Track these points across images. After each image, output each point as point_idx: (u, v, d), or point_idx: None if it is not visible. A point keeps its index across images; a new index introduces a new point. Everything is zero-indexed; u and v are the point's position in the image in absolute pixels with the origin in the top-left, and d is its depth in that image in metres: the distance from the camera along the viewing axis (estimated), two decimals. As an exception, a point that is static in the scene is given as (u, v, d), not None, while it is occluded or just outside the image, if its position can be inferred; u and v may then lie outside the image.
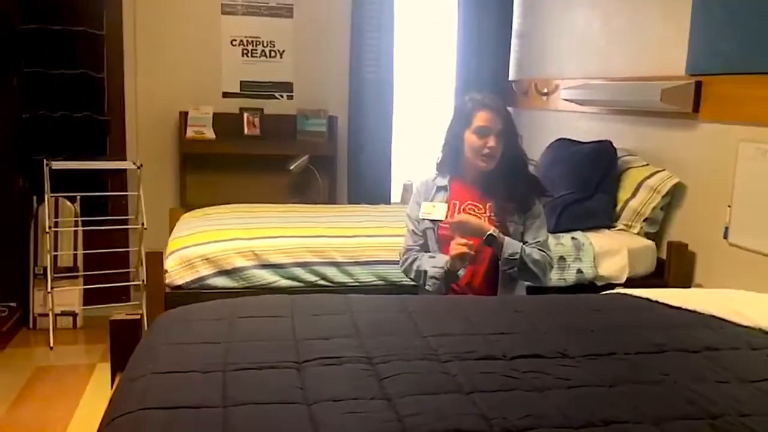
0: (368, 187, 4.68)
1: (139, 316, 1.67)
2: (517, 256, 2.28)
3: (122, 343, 1.65)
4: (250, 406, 1.21)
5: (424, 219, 2.44)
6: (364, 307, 1.76)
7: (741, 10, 2.82)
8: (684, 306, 1.88)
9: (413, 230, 2.48)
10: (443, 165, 2.51)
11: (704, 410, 1.28)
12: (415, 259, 2.41)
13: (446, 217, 2.38)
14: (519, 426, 1.19)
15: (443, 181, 2.48)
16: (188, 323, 1.62)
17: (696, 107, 3.05)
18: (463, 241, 2.23)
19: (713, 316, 1.81)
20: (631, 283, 3.00)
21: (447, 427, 1.17)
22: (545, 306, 1.88)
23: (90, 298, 4.07)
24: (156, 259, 2.65)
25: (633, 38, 3.58)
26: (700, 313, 1.83)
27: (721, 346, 1.61)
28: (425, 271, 2.32)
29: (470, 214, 2.41)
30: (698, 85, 3.03)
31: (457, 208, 2.42)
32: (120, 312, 1.75)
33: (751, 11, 2.77)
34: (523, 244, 2.34)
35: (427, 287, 2.31)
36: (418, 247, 2.45)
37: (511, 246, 2.30)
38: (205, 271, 2.74)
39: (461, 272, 2.31)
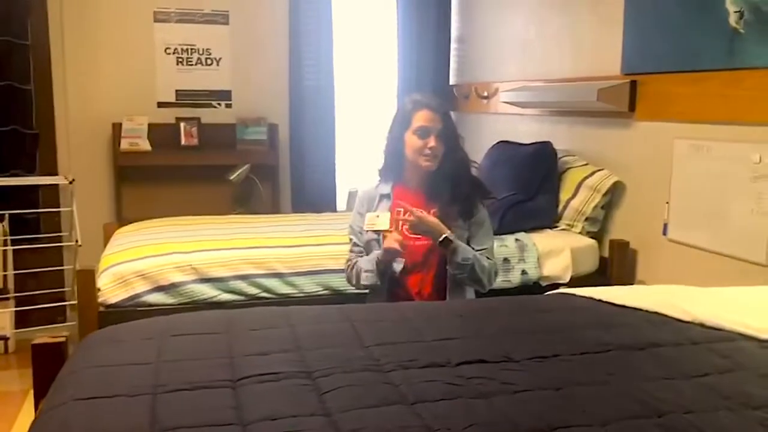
0: (313, 195, 4.62)
1: (64, 339, 1.56)
2: (470, 262, 2.25)
3: (46, 369, 1.55)
4: (181, 430, 1.13)
5: (368, 231, 2.38)
6: (305, 319, 1.70)
7: (671, 9, 2.87)
8: (627, 304, 1.87)
9: (355, 243, 2.43)
10: (386, 170, 2.46)
11: (651, 408, 1.27)
12: (354, 265, 2.37)
13: (390, 225, 2.32)
14: (464, 436, 1.15)
15: (386, 189, 2.44)
16: (116, 344, 1.52)
17: (632, 106, 3.09)
18: (398, 236, 2.21)
19: (656, 313, 1.81)
20: (574, 282, 3.02)
21: (389, 440, 1.12)
22: (489, 309, 1.85)
23: (23, 320, 3.88)
24: (87, 277, 2.52)
25: (569, 40, 3.62)
26: (642, 311, 1.84)
27: (665, 342, 1.61)
28: (360, 268, 2.28)
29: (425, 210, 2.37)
30: (633, 85, 3.08)
31: (401, 214, 2.38)
32: (49, 334, 1.64)
33: (681, 11, 2.82)
34: None
35: (363, 282, 2.29)
36: (359, 259, 2.40)
37: (464, 251, 2.27)
38: (140, 287, 2.63)
39: (398, 266, 2.27)
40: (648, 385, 1.37)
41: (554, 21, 3.76)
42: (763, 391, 1.35)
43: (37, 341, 1.53)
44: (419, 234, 2.26)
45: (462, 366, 1.45)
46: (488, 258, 2.37)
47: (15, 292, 3.92)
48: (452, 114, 2.43)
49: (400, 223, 2.34)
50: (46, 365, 1.56)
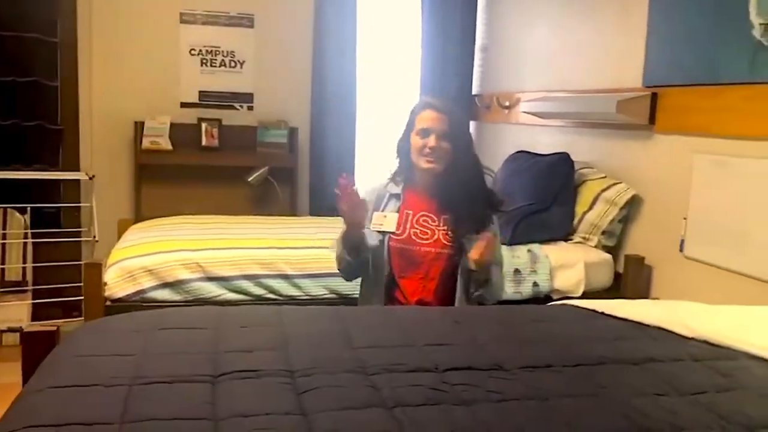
0: (330, 199, 4.58)
1: (55, 328, 1.57)
2: (492, 300, 2.23)
3: (36, 357, 1.55)
4: (151, 422, 1.12)
5: (374, 231, 2.34)
6: (296, 319, 1.68)
7: (695, 22, 2.81)
8: (630, 317, 1.82)
9: None
10: (397, 174, 2.43)
11: (638, 425, 1.22)
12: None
13: (397, 228, 2.28)
14: (440, 442, 1.12)
15: (396, 189, 2.39)
16: (103, 334, 1.52)
17: (652, 119, 3.03)
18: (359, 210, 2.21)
19: (659, 328, 1.76)
20: (587, 296, 2.95)
21: (362, 443, 1.09)
22: (487, 317, 1.81)
23: (39, 313, 3.92)
24: (94, 271, 2.54)
25: (592, 51, 3.57)
26: (645, 325, 1.78)
27: (664, 357, 1.56)
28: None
29: (424, 225, 2.32)
30: (654, 97, 3.01)
31: (409, 218, 2.33)
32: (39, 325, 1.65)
33: (705, 23, 2.76)
34: None
35: (337, 263, 2.30)
36: None
37: (497, 290, 2.25)
38: (147, 283, 2.64)
39: (372, 241, 2.26)
40: (639, 400, 1.32)
41: (577, 31, 3.71)
42: (762, 412, 1.29)
43: (27, 329, 1.53)
44: (482, 264, 2.15)
45: (449, 372, 1.41)
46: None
47: (33, 284, 3.97)
48: (465, 119, 2.36)
49: (407, 224, 2.29)
50: (36, 353, 1.56)
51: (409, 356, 1.48)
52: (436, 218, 2.30)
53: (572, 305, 1.97)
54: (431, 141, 2.24)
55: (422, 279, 2.26)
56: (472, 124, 4.84)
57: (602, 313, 1.88)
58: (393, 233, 2.29)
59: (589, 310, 1.91)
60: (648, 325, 1.78)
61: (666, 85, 2.98)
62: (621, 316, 1.84)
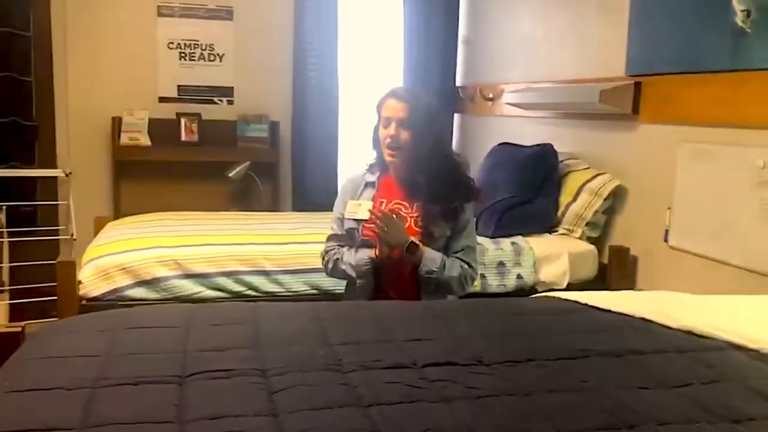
0: (314, 193, 4.55)
1: (20, 329, 1.50)
2: (434, 275, 2.16)
3: (2, 358, 1.49)
4: (113, 426, 1.07)
5: (348, 218, 2.30)
6: (271, 316, 1.63)
7: (677, 9, 2.78)
8: (613, 309, 1.78)
9: (336, 231, 2.34)
10: (374, 163, 2.39)
11: (621, 419, 1.18)
12: (337, 259, 2.28)
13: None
14: (416, 441, 1.07)
15: (372, 177, 2.36)
16: (68, 335, 1.46)
17: (636, 108, 3.00)
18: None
19: (642, 319, 1.72)
20: (572, 288, 2.91)
21: (335, 444, 1.05)
22: (468, 310, 1.77)
23: (17, 313, 3.84)
24: (68, 269, 2.47)
25: (574, 41, 3.54)
26: (629, 316, 1.74)
27: (647, 349, 1.52)
28: (344, 261, 2.24)
29: (397, 213, 2.28)
30: (637, 86, 2.98)
31: (383, 206, 2.29)
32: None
33: (687, 11, 2.73)
34: (447, 252, 2.23)
35: (348, 272, 2.23)
36: (337, 247, 2.32)
37: (429, 262, 2.16)
38: (122, 281, 2.57)
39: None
40: (623, 393, 1.29)
41: (559, 21, 3.67)
42: (747, 404, 1.26)
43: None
44: (384, 243, 2.15)
45: (428, 368, 1.37)
46: (464, 262, 2.24)
47: (10, 284, 3.89)
48: (432, 106, 2.27)
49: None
50: (2, 355, 1.50)
51: (386, 352, 1.43)
52: (408, 205, 2.26)
53: (555, 297, 1.93)
54: (391, 130, 2.20)
55: (397, 266, 2.21)
56: (456, 117, 4.80)
57: (585, 305, 1.84)
58: (366, 221, 2.24)
59: (572, 302, 1.88)
60: (632, 317, 1.74)
61: (649, 73, 2.95)
62: (604, 308, 1.80)
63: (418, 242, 2.15)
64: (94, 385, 1.20)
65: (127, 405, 1.15)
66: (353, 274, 2.21)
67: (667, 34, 2.83)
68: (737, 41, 2.47)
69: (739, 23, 2.47)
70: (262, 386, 1.25)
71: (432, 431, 1.11)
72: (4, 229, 3.92)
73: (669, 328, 1.67)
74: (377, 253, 2.17)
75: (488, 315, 1.74)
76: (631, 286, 3.03)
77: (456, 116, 4.80)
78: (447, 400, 1.23)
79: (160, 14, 4.34)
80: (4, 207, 3.91)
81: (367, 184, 2.34)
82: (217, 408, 1.15)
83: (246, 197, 4.51)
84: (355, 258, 2.22)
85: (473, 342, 1.52)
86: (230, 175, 4.30)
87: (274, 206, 4.48)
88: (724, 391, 1.32)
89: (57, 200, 4.08)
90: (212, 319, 1.59)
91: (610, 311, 1.79)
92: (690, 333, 1.64)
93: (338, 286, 2.54)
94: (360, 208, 2.23)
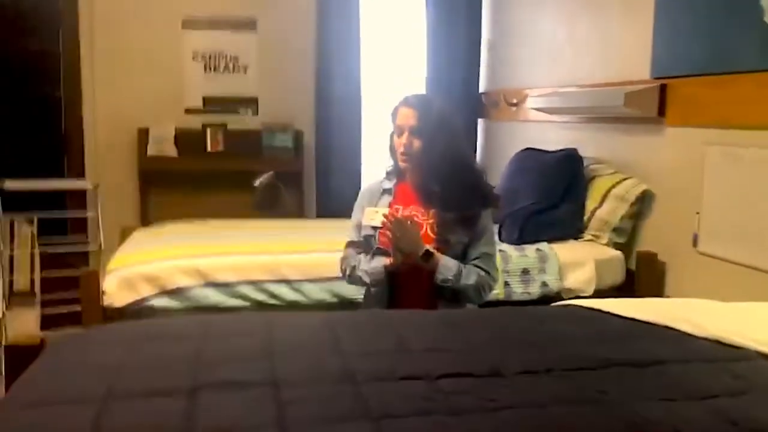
0: (338, 201, 4.53)
1: (38, 341, 1.52)
2: (449, 283, 2.13)
3: (20, 370, 1.50)
4: (121, 439, 1.07)
5: (366, 225, 2.29)
6: (286, 326, 1.62)
7: (703, 9, 2.72)
8: (637, 317, 1.74)
9: (354, 238, 2.33)
10: (391, 170, 2.38)
11: (641, 432, 1.14)
12: (354, 266, 2.27)
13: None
14: (425, 456, 1.05)
15: (389, 184, 2.34)
16: (85, 347, 1.47)
17: (661, 111, 2.94)
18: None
19: (667, 327, 1.67)
20: (598, 295, 2.85)
21: (342, 458, 1.03)
22: (486, 319, 1.74)
23: (49, 322, 3.90)
24: (91, 280, 2.50)
25: (598, 45, 3.48)
26: (653, 324, 1.70)
27: (671, 359, 1.47)
28: (361, 268, 2.22)
29: (411, 220, 2.25)
30: (663, 89, 2.92)
31: (399, 213, 2.27)
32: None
33: (713, 10, 2.66)
34: (465, 259, 2.20)
35: (364, 279, 2.21)
36: (355, 254, 2.30)
37: (444, 270, 2.13)
38: (146, 291, 2.59)
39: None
40: (643, 405, 1.24)
41: (584, 24, 3.62)
42: (775, 417, 1.21)
43: (7, 343, 1.49)
44: (397, 250, 2.11)
45: (443, 379, 1.34)
46: (482, 269, 2.20)
47: (41, 295, 3.95)
48: (445, 112, 2.25)
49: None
50: (21, 368, 1.51)
51: (401, 363, 1.41)
52: (424, 213, 2.24)
53: (577, 305, 1.89)
54: (404, 138, 2.19)
55: (414, 274, 2.19)
56: (480, 123, 4.77)
57: (608, 313, 1.79)
58: (381, 228, 2.22)
59: (594, 310, 1.83)
60: (656, 325, 1.69)
61: (675, 75, 2.89)
62: (628, 316, 1.75)
63: (433, 250, 2.12)
64: (105, 398, 1.20)
65: (136, 417, 1.14)
66: (368, 281, 2.20)
67: (693, 34, 2.77)
68: (765, 40, 2.41)
69: (767, 21, 2.40)
70: (274, 398, 1.23)
71: (443, 445, 1.08)
72: (36, 240, 4.00)
73: (695, 337, 1.62)
74: (392, 260, 2.14)
75: (507, 324, 1.71)
76: (659, 292, 2.96)
77: (480, 122, 4.77)
78: (460, 413, 1.20)
79: (185, 27, 4.39)
80: (35, 219, 3.99)
81: (385, 191, 2.32)
82: (226, 420, 1.14)
83: (272, 206, 4.51)
84: (369, 266, 2.20)
85: (490, 352, 1.49)
86: (255, 184, 4.32)
87: (299, 214, 4.49)
88: (752, 403, 1.27)
89: (86, 211, 4.15)
90: (227, 330, 1.58)
91: (633, 319, 1.74)
92: (717, 342, 1.59)
93: (359, 294, 2.52)
94: (377, 215, 2.22)
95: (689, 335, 1.63)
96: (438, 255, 2.13)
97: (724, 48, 2.61)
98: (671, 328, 1.68)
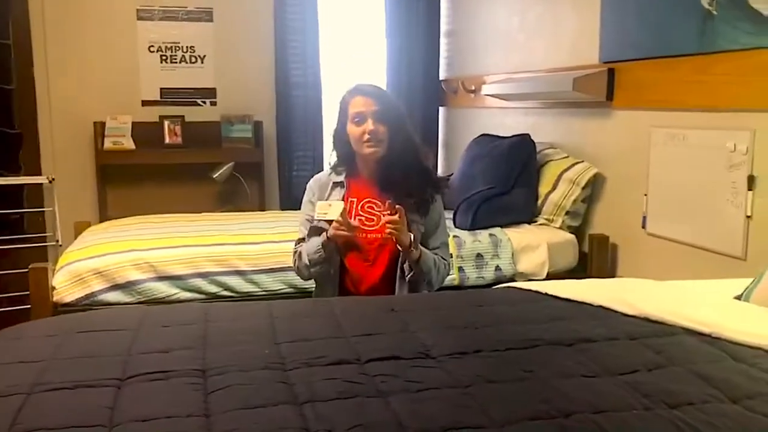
0: (301, 191, 4.45)
1: (-28, 337, 1.51)
2: (431, 272, 2.20)
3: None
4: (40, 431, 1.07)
5: (319, 220, 2.29)
6: (224, 317, 1.63)
7: (647, -6, 2.76)
8: (573, 298, 1.77)
9: (303, 234, 2.34)
10: (338, 164, 2.38)
11: (558, 408, 1.17)
12: (300, 254, 2.29)
13: (341, 215, 2.22)
14: (345, 437, 1.07)
15: (339, 177, 2.35)
16: (16, 341, 1.47)
17: (610, 95, 2.98)
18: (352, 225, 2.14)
19: (601, 307, 1.71)
20: (552, 278, 2.91)
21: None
22: (426, 304, 1.76)
23: (2, 321, 3.85)
24: (40, 275, 2.48)
25: (549, 30, 3.52)
26: (588, 305, 1.73)
27: (599, 337, 1.51)
28: (305, 255, 2.23)
29: (369, 212, 2.29)
30: (611, 73, 2.96)
31: (354, 206, 2.30)
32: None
33: (656, -6, 2.71)
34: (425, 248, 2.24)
35: (310, 268, 2.23)
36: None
37: (427, 259, 2.20)
38: (97, 286, 2.58)
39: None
40: (565, 382, 1.28)
41: (536, 11, 3.65)
42: (687, 388, 1.24)
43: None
44: (397, 240, 2.14)
45: (371, 363, 1.36)
46: (444, 258, 2.28)
47: (-1, 292, 3.90)
48: (398, 100, 2.30)
49: (353, 211, 2.26)
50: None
51: (332, 348, 1.43)
52: (380, 203, 2.26)
53: (516, 287, 1.92)
54: (369, 125, 2.19)
55: (370, 266, 2.23)
56: (441, 110, 4.79)
57: (546, 295, 1.83)
58: (338, 221, 2.23)
59: (533, 291, 1.86)
60: (590, 305, 1.73)
61: (622, 60, 2.93)
62: (564, 297, 1.79)
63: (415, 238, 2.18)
64: (30, 391, 1.21)
65: (59, 410, 1.15)
66: (307, 263, 2.21)
67: (638, 19, 2.81)
68: (703, 24, 2.45)
69: (706, 6, 2.45)
70: (200, 387, 1.25)
71: (363, 426, 1.10)
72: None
73: (626, 315, 1.66)
74: (330, 235, 2.17)
75: (445, 308, 1.73)
76: (611, 274, 3.02)
77: (441, 109, 4.79)
78: (384, 395, 1.22)
79: (139, 18, 4.34)
80: (-10, 215, 3.93)
81: (335, 185, 2.33)
82: (149, 410, 1.15)
83: (233, 198, 4.51)
84: (306, 247, 2.23)
85: (423, 335, 1.52)
86: (215, 176, 4.31)
87: (261, 206, 4.49)
88: (667, 377, 1.31)
89: (42, 207, 4.10)
90: (164, 320, 1.59)
91: (569, 300, 1.78)
92: (646, 319, 1.63)
93: (313, 283, 2.53)
94: (330, 209, 2.22)
95: (621, 314, 1.67)
96: (420, 248, 2.19)
97: (666, 32, 2.65)
98: (605, 308, 1.72)
